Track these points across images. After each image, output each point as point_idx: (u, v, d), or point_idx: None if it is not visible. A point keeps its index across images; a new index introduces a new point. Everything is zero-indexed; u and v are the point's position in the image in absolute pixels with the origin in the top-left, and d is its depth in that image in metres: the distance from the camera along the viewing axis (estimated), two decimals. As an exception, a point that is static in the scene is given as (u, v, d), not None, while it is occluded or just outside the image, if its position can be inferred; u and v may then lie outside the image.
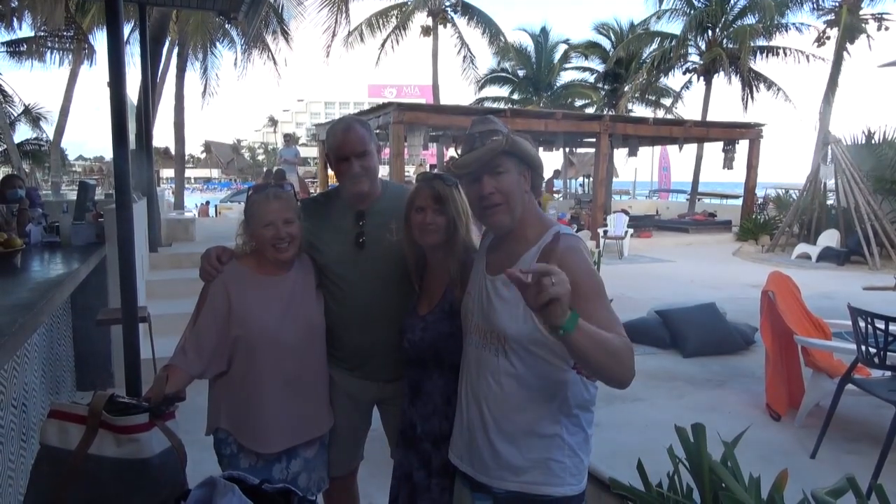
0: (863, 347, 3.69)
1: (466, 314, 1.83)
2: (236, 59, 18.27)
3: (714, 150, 18.27)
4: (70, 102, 19.85)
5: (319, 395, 2.19)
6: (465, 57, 24.38)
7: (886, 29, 19.21)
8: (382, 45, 23.24)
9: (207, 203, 27.27)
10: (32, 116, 23.65)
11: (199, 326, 2.03)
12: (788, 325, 4.31)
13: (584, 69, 27.78)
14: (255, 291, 2.07)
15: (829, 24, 19.75)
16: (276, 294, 2.08)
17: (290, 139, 15.73)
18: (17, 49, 16.35)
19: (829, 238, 13.11)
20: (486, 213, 1.73)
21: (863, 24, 19.00)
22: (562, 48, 27.47)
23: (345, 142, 2.11)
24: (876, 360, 3.63)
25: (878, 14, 19.30)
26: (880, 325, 3.57)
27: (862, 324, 3.69)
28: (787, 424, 4.22)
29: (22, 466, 2.66)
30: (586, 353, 1.39)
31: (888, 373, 3.81)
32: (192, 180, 68.47)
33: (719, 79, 21.63)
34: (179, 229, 8.52)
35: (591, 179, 20.43)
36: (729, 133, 17.18)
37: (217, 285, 2.06)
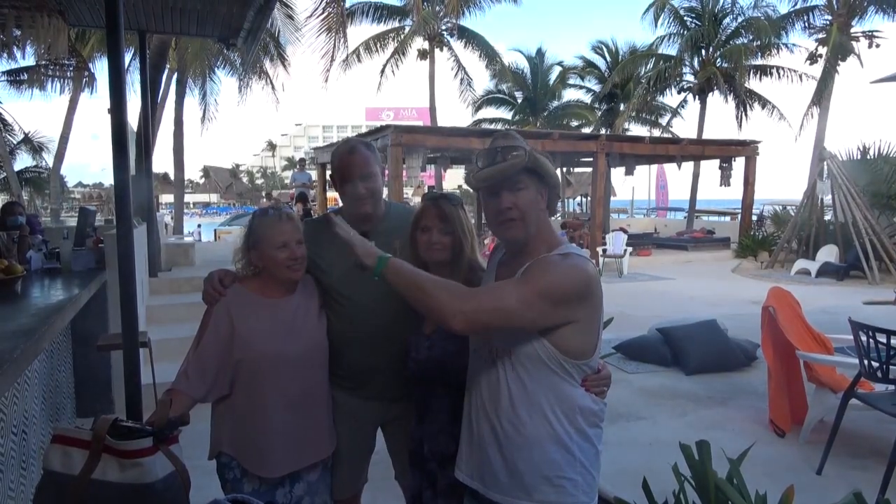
0: (865, 362, 3.69)
1: None
2: (239, 84, 18.47)
3: (711, 167, 18.38)
4: (70, 130, 20.01)
5: (323, 418, 2.17)
6: (461, 80, 24.58)
7: (878, 46, 19.45)
8: (382, 70, 23.43)
9: (198, 227, 27.30)
10: (32, 145, 23.77)
11: (202, 350, 2.02)
12: (790, 340, 4.31)
13: (580, 87, 28.04)
14: (258, 314, 2.06)
15: (821, 42, 20.00)
16: (279, 317, 2.08)
17: (302, 164, 16.42)
18: (17, 78, 16.49)
19: (828, 253, 13.13)
20: (501, 227, 1.75)
21: (853, 42, 19.23)
22: (558, 69, 27.73)
23: (349, 164, 2.14)
24: (879, 374, 3.62)
25: (869, 31, 19.56)
26: (882, 339, 3.57)
27: (864, 338, 3.68)
28: (792, 440, 4.20)
29: (22, 495, 2.64)
30: (397, 287, 1.67)
31: (891, 387, 3.80)
32: (192, 205, 68.64)
33: (714, 97, 21.86)
34: (179, 254, 8.51)
35: (589, 198, 20.51)
36: (725, 150, 17.28)
37: (220, 308, 2.06)
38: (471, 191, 1.94)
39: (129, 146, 3.32)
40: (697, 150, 17.20)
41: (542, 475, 1.66)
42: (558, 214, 25.22)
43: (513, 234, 1.74)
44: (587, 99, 27.76)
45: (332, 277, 2.19)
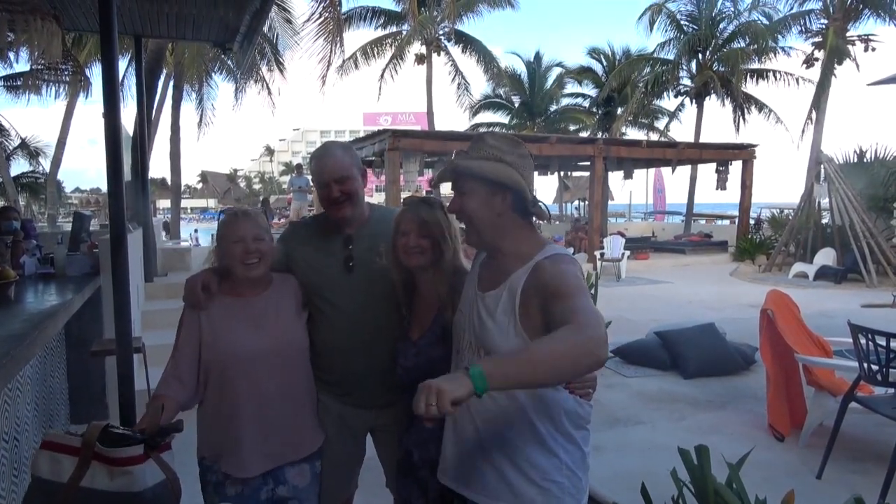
0: (865, 365, 3.67)
1: (458, 332, 1.82)
2: (236, 89, 18.48)
3: (708, 171, 18.44)
4: (67, 135, 20.00)
5: (299, 417, 2.14)
6: (459, 84, 24.63)
7: (873, 50, 19.53)
8: (382, 75, 23.47)
9: (195, 231, 27.38)
10: (29, 150, 23.75)
11: (179, 353, 2.02)
12: (789, 343, 4.29)
13: (578, 94, 28.11)
14: (225, 314, 2.05)
15: (817, 46, 20.07)
16: (246, 315, 2.06)
17: (300, 169, 16.38)
18: (14, 84, 16.48)
19: (826, 256, 13.14)
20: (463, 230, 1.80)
21: (849, 46, 19.31)
22: (555, 72, 27.80)
23: (323, 167, 2.13)
24: (878, 377, 3.61)
25: (864, 35, 19.63)
26: (881, 341, 3.56)
27: (863, 341, 3.67)
28: (791, 445, 4.18)
29: (13, 503, 2.61)
30: (525, 384, 1.42)
31: (891, 390, 3.78)
32: (189, 210, 68.63)
33: (711, 101, 21.92)
34: (175, 258, 8.48)
35: (587, 203, 20.51)
36: (722, 154, 17.33)
37: (191, 312, 2.06)
38: None
39: (125, 151, 3.30)
40: (694, 153, 17.24)
41: (528, 479, 1.65)
42: (555, 220, 25.25)
43: (467, 239, 1.77)
44: (585, 104, 27.83)
45: (316, 281, 2.17)
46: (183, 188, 25.42)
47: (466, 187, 1.71)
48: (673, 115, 24.72)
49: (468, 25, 24.03)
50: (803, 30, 20.44)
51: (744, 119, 21.86)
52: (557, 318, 1.49)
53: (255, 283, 2.08)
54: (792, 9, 20.51)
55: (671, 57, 22.00)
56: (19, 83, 15.51)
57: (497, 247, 1.74)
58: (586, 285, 1.62)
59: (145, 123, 7.36)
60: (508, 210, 1.71)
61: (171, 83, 17.51)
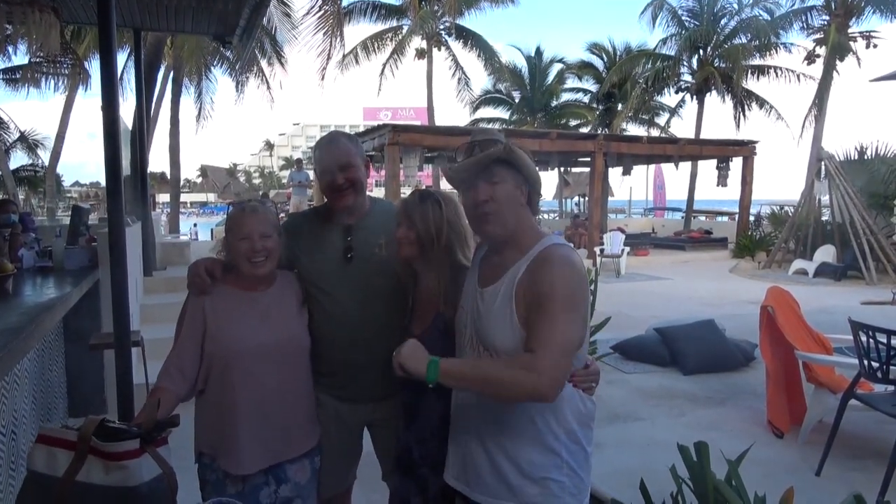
0: (865, 362, 3.66)
1: (460, 328, 1.81)
2: (237, 83, 18.42)
3: (708, 167, 18.41)
4: (66, 128, 19.95)
5: (298, 413, 2.12)
6: (459, 79, 24.55)
7: (875, 46, 19.47)
8: (382, 71, 23.38)
9: (195, 226, 27.35)
10: (28, 143, 23.68)
11: (180, 345, 2.00)
12: (789, 340, 4.28)
13: (578, 90, 28.03)
14: (230, 307, 2.04)
15: (818, 42, 20.02)
16: (252, 309, 2.05)
17: (300, 163, 16.35)
18: (12, 76, 16.43)
19: (826, 253, 13.14)
20: (478, 222, 1.74)
21: (851, 43, 19.27)
22: (556, 68, 27.70)
23: (329, 155, 2.12)
24: (879, 374, 3.60)
25: (866, 32, 19.58)
26: (882, 339, 3.55)
27: (864, 338, 3.66)
28: (791, 441, 4.18)
29: (10, 496, 2.60)
30: (463, 388, 1.67)
31: (891, 387, 3.78)
32: (189, 204, 68.60)
33: (712, 97, 21.86)
34: (174, 253, 8.46)
35: (587, 198, 20.51)
36: (723, 150, 17.31)
37: (195, 303, 2.04)
38: None
39: (124, 145, 3.29)
40: (695, 150, 17.22)
41: (527, 476, 1.64)
42: (555, 215, 25.25)
43: (490, 229, 1.71)
44: (585, 99, 27.75)
45: (315, 272, 2.16)
46: (182, 182, 25.39)
47: (499, 176, 1.69)
48: (674, 112, 24.65)
49: (469, 20, 23.89)
50: (805, 26, 20.38)
51: (744, 115, 21.82)
52: (527, 337, 1.57)
53: (260, 278, 2.07)
54: (794, 5, 20.46)
55: (672, 53, 21.94)
56: (18, 76, 15.47)
57: (516, 239, 1.72)
58: (578, 286, 1.61)
59: (144, 117, 7.34)
60: (524, 203, 1.73)
61: (171, 77, 17.46)
